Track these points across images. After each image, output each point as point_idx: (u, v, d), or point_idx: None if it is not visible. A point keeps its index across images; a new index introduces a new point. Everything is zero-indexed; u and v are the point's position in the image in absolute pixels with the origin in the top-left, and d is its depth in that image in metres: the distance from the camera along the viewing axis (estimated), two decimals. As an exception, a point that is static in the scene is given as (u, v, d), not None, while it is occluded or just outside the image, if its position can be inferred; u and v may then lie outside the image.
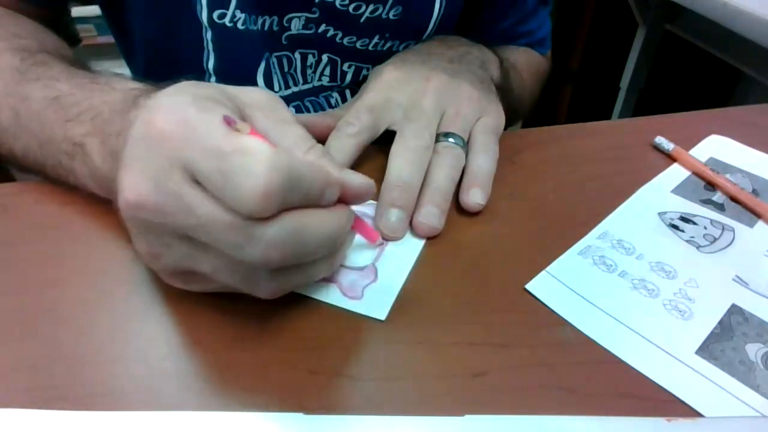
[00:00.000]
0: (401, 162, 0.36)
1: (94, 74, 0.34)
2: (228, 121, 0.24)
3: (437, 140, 0.38)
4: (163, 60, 0.49)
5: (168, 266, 0.27)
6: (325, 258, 0.28)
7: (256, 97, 0.29)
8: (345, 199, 0.28)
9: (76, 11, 1.48)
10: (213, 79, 0.48)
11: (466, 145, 0.39)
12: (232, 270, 0.25)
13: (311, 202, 0.25)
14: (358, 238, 0.33)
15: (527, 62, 0.59)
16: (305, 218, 0.25)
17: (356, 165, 0.39)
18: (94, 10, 1.54)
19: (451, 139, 0.38)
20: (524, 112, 0.59)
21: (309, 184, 0.24)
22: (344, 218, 0.28)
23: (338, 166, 0.28)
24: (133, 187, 0.24)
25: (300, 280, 0.27)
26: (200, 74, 0.48)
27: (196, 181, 0.23)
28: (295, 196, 0.24)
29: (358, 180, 0.28)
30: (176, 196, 0.23)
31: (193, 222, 0.23)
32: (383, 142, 0.39)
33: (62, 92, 0.33)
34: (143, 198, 0.24)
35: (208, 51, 0.46)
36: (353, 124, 0.38)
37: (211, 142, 0.23)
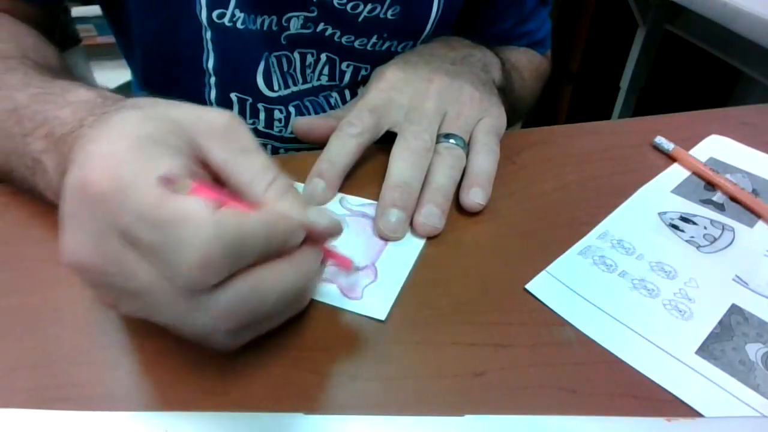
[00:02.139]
0: (402, 163, 0.36)
1: (49, 83, 0.33)
2: (166, 181, 0.22)
3: (438, 141, 0.38)
4: (163, 60, 0.49)
5: (128, 314, 0.25)
6: (292, 304, 0.26)
7: (213, 123, 0.26)
8: (311, 240, 0.26)
9: (76, 11, 1.48)
10: (213, 78, 0.48)
11: (467, 146, 0.39)
12: (185, 330, 0.24)
13: (272, 254, 0.23)
14: (361, 230, 0.33)
15: (528, 63, 0.59)
16: (262, 276, 0.23)
17: (357, 165, 0.39)
18: (94, 10, 1.54)
19: (451, 140, 0.38)
20: (525, 112, 0.59)
21: (264, 241, 0.23)
22: (311, 261, 0.26)
23: (302, 205, 0.25)
24: (74, 249, 0.23)
25: (264, 329, 0.26)
26: (200, 74, 0.48)
27: (134, 244, 0.22)
28: (246, 257, 0.22)
29: (323, 220, 0.26)
30: (117, 260, 0.22)
31: (137, 287, 0.22)
32: (384, 142, 0.39)
33: (20, 104, 0.32)
34: (84, 261, 0.22)
35: (208, 50, 0.46)
36: (355, 124, 0.38)
37: (147, 208, 0.21)
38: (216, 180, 0.26)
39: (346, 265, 0.29)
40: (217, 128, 0.26)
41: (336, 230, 0.27)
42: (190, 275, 0.21)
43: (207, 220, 0.21)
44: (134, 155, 0.22)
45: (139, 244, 0.21)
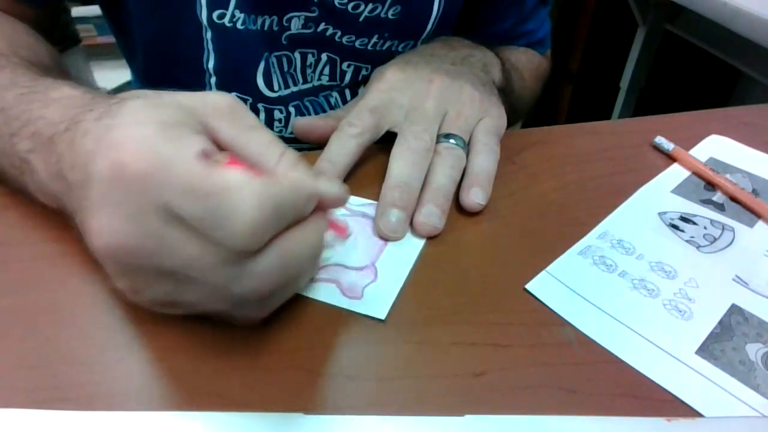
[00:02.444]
0: (402, 163, 0.36)
1: (35, 81, 0.33)
2: (205, 155, 0.23)
3: (438, 141, 0.38)
4: (163, 60, 0.49)
5: (151, 300, 0.26)
6: (310, 268, 0.28)
7: (216, 104, 0.27)
8: (321, 207, 0.27)
9: (76, 11, 1.48)
10: (213, 78, 0.48)
11: (467, 146, 0.39)
12: (220, 300, 0.24)
13: (294, 220, 0.25)
14: (361, 230, 0.33)
15: (528, 63, 0.59)
16: (292, 241, 0.24)
17: (357, 165, 0.39)
18: (94, 10, 1.54)
19: (452, 140, 0.38)
20: (525, 112, 0.59)
21: (293, 206, 0.24)
22: (323, 225, 0.28)
23: (312, 174, 0.27)
24: (110, 231, 0.23)
25: (287, 296, 0.27)
26: (200, 74, 0.48)
27: (177, 219, 0.22)
28: (284, 221, 0.24)
29: (333, 189, 0.28)
30: (158, 237, 0.22)
31: (179, 262, 0.23)
32: (384, 142, 0.39)
33: (6, 103, 0.32)
34: (122, 241, 0.23)
35: (208, 51, 0.46)
36: (355, 124, 0.38)
37: (191, 181, 0.22)
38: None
39: (343, 232, 0.32)
40: (222, 108, 0.27)
41: (344, 197, 0.28)
42: (246, 238, 0.22)
43: (252, 188, 0.22)
44: (165, 135, 0.23)
45: (185, 218, 0.22)
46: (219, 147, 0.26)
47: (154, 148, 0.22)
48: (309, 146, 0.45)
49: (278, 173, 0.26)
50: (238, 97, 0.49)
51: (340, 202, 0.28)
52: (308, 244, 0.26)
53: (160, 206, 0.22)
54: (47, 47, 0.44)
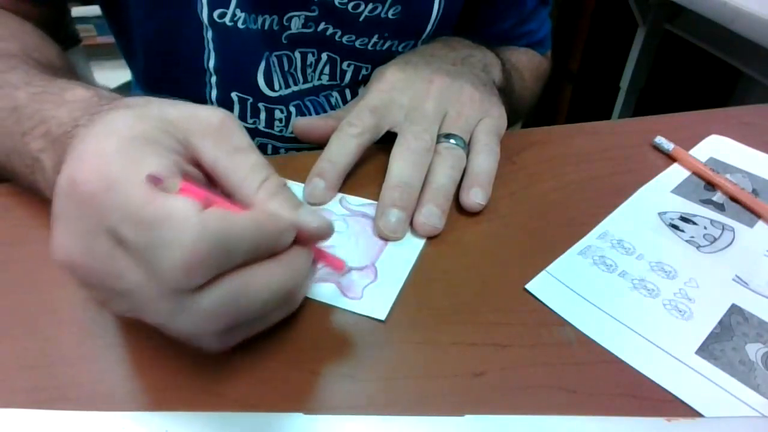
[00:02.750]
0: (402, 163, 0.36)
1: (49, 82, 0.33)
2: (154, 180, 0.22)
3: (438, 141, 0.38)
4: (163, 59, 0.49)
5: (117, 314, 0.25)
6: (281, 305, 0.26)
7: (205, 121, 0.25)
8: (302, 241, 0.25)
9: (76, 11, 1.48)
10: (214, 78, 0.48)
11: (467, 146, 0.39)
12: (174, 330, 0.23)
13: (261, 255, 0.23)
14: (361, 230, 0.33)
15: (528, 63, 0.59)
16: (249, 277, 0.23)
17: (357, 165, 0.39)
18: (94, 10, 1.54)
19: (452, 140, 0.38)
20: (525, 112, 0.59)
21: (251, 241, 0.22)
22: (301, 261, 0.25)
23: (294, 205, 0.25)
24: (62, 245, 0.23)
25: (254, 330, 0.26)
26: (201, 73, 0.48)
27: (122, 243, 0.22)
28: (233, 258, 0.22)
29: (315, 222, 0.25)
30: (105, 259, 0.22)
31: (125, 287, 0.22)
32: (384, 142, 0.39)
33: (20, 102, 0.32)
34: (73, 259, 0.22)
35: (209, 50, 0.46)
36: (355, 124, 0.38)
37: (130, 208, 0.21)
38: (210, 180, 0.26)
39: (339, 267, 0.29)
40: (210, 126, 0.25)
41: (326, 232, 0.26)
42: (175, 276, 0.21)
43: (192, 219, 0.21)
44: (123, 154, 0.22)
45: (126, 244, 0.21)
46: (202, 168, 0.25)
47: (106, 167, 0.22)
48: (310, 146, 0.45)
49: (255, 202, 0.25)
50: (239, 96, 0.49)
51: (324, 235, 0.26)
52: (272, 283, 0.24)
53: (106, 228, 0.21)
54: (55, 47, 0.44)
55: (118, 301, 0.24)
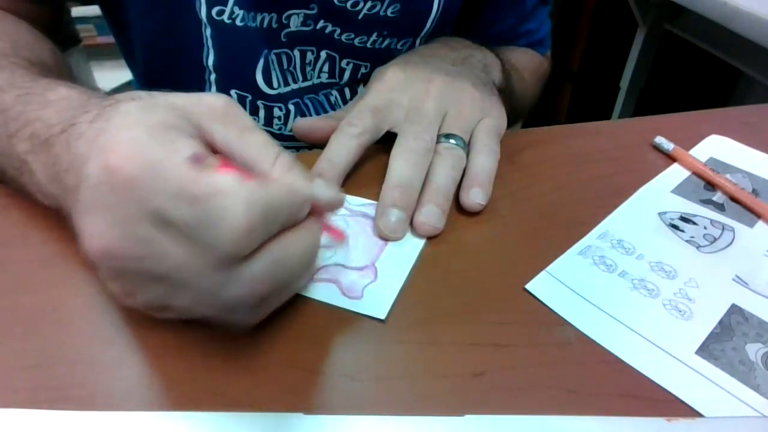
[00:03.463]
0: (402, 163, 0.36)
1: (33, 82, 0.33)
2: (196, 158, 0.23)
3: (438, 141, 0.38)
4: (163, 58, 0.49)
5: (143, 304, 0.25)
6: (307, 271, 0.28)
7: (211, 105, 0.26)
8: (316, 211, 0.27)
9: (76, 11, 1.48)
10: (213, 75, 0.48)
11: (467, 146, 0.39)
12: (212, 305, 0.24)
13: (287, 224, 0.25)
14: (361, 230, 0.33)
15: (528, 63, 0.59)
16: (283, 246, 0.24)
17: (357, 165, 0.39)
18: (94, 10, 1.54)
19: (452, 140, 0.38)
20: (525, 112, 0.59)
21: (285, 210, 0.24)
22: (317, 230, 0.27)
23: (307, 178, 0.27)
24: (100, 235, 0.23)
25: (281, 300, 0.27)
26: (200, 71, 0.48)
27: (165, 224, 0.22)
28: (275, 226, 0.24)
29: (329, 192, 0.27)
30: (146, 242, 0.22)
31: (167, 267, 0.22)
32: (385, 142, 0.39)
33: (5, 105, 0.32)
34: (111, 246, 0.23)
35: (208, 47, 0.46)
36: (356, 125, 0.38)
37: (181, 186, 0.22)
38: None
39: (339, 236, 0.32)
40: (217, 110, 0.26)
41: (338, 202, 0.28)
42: (231, 245, 0.21)
43: (242, 191, 0.22)
44: (156, 139, 0.23)
45: (174, 223, 0.22)
46: (213, 149, 0.26)
47: (144, 152, 0.22)
48: (307, 145, 0.45)
49: (272, 177, 0.25)
50: (238, 94, 0.49)
51: (336, 206, 0.28)
52: (301, 249, 0.25)
53: (150, 211, 0.22)
54: (49, 46, 0.44)
55: (151, 288, 0.24)
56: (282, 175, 0.26)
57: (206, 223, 0.21)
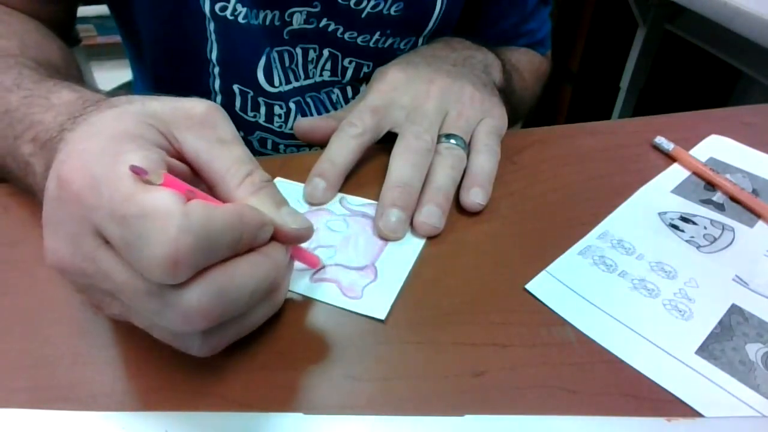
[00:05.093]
0: (402, 163, 0.36)
1: (38, 84, 0.32)
2: (138, 171, 0.21)
3: (439, 141, 0.38)
4: (169, 52, 0.49)
5: (111, 315, 0.25)
6: (263, 302, 0.26)
7: (189, 113, 0.25)
8: (280, 240, 0.25)
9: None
10: (217, 69, 0.48)
11: (467, 146, 0.39)
12: (160, 330, 0.24)
13: (241, 249, 0.23)
14: (361, 230, 0.33)
15: (528, 63, 0.59)
16: (231, 272, 0.22)
17: (357, 165, 0.39)
18: (94, 10, 1.54)
19: (452, 141, 0.38)
20: (525, 112, 0.60)
21: (232, 236, 0.22)
22: (280, 256, 0.25)
23: (276, 202, 0.25)
24: (54, 249, 0.23)
25: (238, 332, 0.25)
26: (205, 64, 0.48)
27: (107, 241, 0.22)
28: (215, 253, 0.22)
29: (294, 224, 0.25)
30: (92, 260, 0.22)
31: (111, 287, 0.22)
32: (385, 142, 0.39)
33: (11, 106, 0.32)
34: (63, 261, 0.23)
35: (212, 42, 0.47)
36: (356, 124, 0.38)
37: (114, 203, 0.21)
38: (195, 174, 0.26)
39: (313, 264, 0.30)
40: (194, 117, 0.25)
41: (305, 235, 0.26)
42: (160, 271, 0.20)
43: (175, 212, 0.20)
44: (106, 151, 0.22)
45: (111, 241, 0.21)
46: (185, 160, 0.25)
47: (90, 167, 0.22)
48: (306, 144, 0.45)
49: (235, 197, 0.24)
50: (240, 89, 0.49)
51: (304, 238, 0.26)
52: (254, 276, 0.23)
53: (92, 227, 0.21)
54: (59, 45, 0.44)
55: (110, 303, 0.24)
56: (247, 195, 0.24)
57: (138, 244, 0.20)
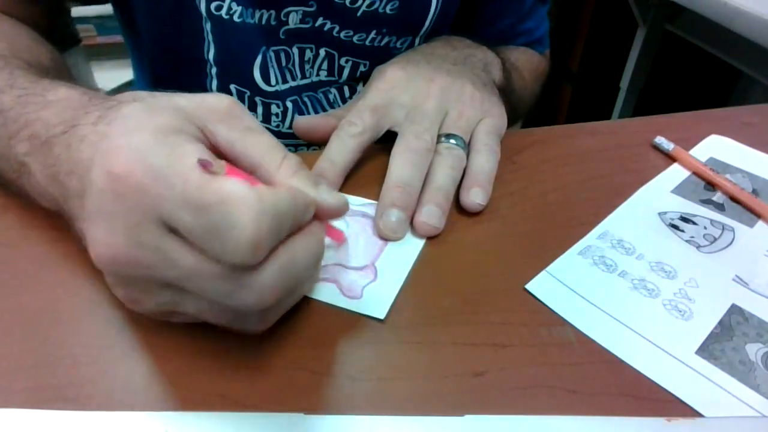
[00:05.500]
0: (402, 163, 0.36)
1: (32, 83, 0.32)
2: (203, 164, 0.22)
3: (439, 141, 0.38)
4: (166, 52, 0.49)
5: (150, 310, 0.26)
6: (314, 276, 0.28)
7: (214, 106, 0.26)
8: (319, 217, 0.27)
9: (76, 11, 1.48)
10: (214, 70, 0.48)
11: (467, 146, 0.39)
12: (220, 312, 0.24)
13: (294, 229, 0.24)
14: (361, 230, 0.33)
15: (527, 62, 0.59)
16: (292, 251, 0.24)
17: (357, 165, 0.39)
18: (94, 10, 1.54)
19: (452, 140, 0.38)
20: (525, 111, 0.60)
21: (293, 215, 0.24)
22: (322, 233, 0.27)
23: (313, 181, 0.27)
24: (106, 241, 0.23)
25: (289, 305, 0.27)
26: (202, 64, 0.48)
27: (173, 231, 0.22)
28: (283, 233, 0.23)
29: (333, 199, 0.27)
30: (154, 249, 0.22)
31: (177, 274, 0.22)
32: (385, 142, 0.39)
33: (4, 106, 0.31)
34: (118, 253, 0.23)
35: (209, 41, 0.47)
36: (356, 123, 0.38)
37: (188, 193, 0.21)
38: (230, 163, 0.26)
39: (340, 238, 0.32)
40: (220, 111, 0.26)
41: (343, 209, 0.28)
42: (242, 254, 0.21)
43: (252, 198, 0.21)
44: (161, 144, 0.23)
45: (183, 229, 0.22)
46: (217, 151, 0.26)
47: (149, 158, 0.22)
48: (305, 143, 0.45)
49: (278, 180, 0.25)
50: (237, 89, 0.49)
51: (340, 213, 0.28)
52: (309, 253, 0.25)
53: (156, 218, 0.22)
54: (47, 48, 0.44)
55: (159, 294, 0.24)
56: (288, 178, 0.26)
57: (215, 233, 0.21)
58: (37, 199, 0.31)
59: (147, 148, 0.22)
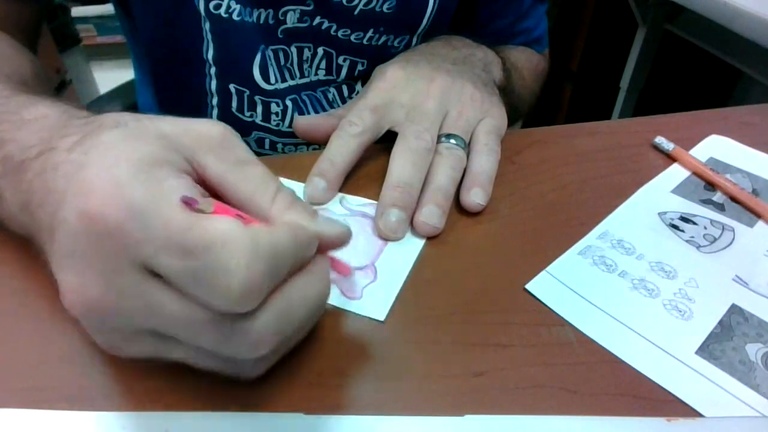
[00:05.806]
0: (402, 163, 0.36)
1: (7, 100, 0.30)
2: (187, 202, 0.20)
3: (439, 141, 0.38)
4: (165, 52, 0.49)
5: (131, 356, 0.23)
6: (313, 321, 0.26)
7: (205, 135, 0.24)
8: (321, 250, 0.25)
9: (76, 11, 1.48)
10: (213, 69, 0.48)
11: (467, 146, 0.39)
12: (210, 359, 0.23)
13: (293, 269, 0.23)
14: (361, 230, 0.33)
15: (527, 62, 0.59)
16: (293, 294, 0.22)
17: (357, 165, 0.39)
18: (94, 10, 1.54)
19: (452, 141, 0.38)
20: (525, 111, 0.60)
21: (292, 255, 0.22)
22: (327, 272, 0.25)
23: (310, 213, 0.25)
24: (80, 288, 0.21)
25: (288, 348, 0.25)
26: (201, 64, 0.48)
27: (155, 276, 0.20)
28: (281, 276, 0.21)
29: (334, 230, 0.25)
30: (134, 295, 0.20)
31: (161, 321, 0.21)
32: (385, 142, 0.39)
33: None
34: (93, 300, 0.21)
35: (207, 41, 0.47)
36: (356, 123, 0.38)
37: (172, 236, 0.19)
38: (214, 195, 0.24)
39: (346, 272, 0.29)
40: (211, 140, 0.24)
41: (345, 239, 0.26)
42: (234, 301, 0.19)
43: (244, 239, 0.19)
44: (142, 178, 0.20)
45: (167, 276, 0.20)
46: (206, 184, 0.24)
47: (128, 196, 0.20)
48: (306, 141, 0.45)
49: (272, 215, 0.24)
50: (236, 88, 0.49)
51: (343, 243, 0.26)
52: (309, 298, 0.23)
53: (137, 261, 0.20)
54: (29, 57, 0.44)
55: (142, 342, 0.22)
56: (283, 212, 0.24)
57: (203, 279, 0.19)
58: (9, 224, 0.28)
59: (126, 183, 0.20)
